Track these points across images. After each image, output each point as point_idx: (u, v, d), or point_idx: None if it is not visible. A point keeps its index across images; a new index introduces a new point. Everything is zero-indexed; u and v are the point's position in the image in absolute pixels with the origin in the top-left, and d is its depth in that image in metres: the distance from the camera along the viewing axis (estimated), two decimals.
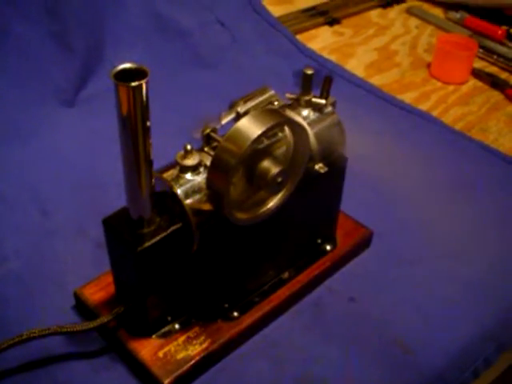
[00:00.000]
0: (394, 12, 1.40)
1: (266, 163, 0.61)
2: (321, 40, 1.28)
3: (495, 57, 1.23)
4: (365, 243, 0.81)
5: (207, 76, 1.12)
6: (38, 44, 1.04)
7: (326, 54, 1.22)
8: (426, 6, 1.41)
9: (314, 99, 0.68)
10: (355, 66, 1.20)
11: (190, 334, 0.68)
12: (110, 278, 0.70)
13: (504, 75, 1.19)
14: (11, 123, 0.98)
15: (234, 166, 0.57)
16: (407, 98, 1.12)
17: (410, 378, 0.68)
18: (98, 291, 0.71)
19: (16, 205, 0.86)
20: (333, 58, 1.21)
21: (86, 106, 1.03)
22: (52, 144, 0.96)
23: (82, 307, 0.72)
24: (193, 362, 0.66)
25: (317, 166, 0.68)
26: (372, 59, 1.23)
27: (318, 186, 0.71)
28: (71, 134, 0.98)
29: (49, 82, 1.03)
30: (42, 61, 1.04)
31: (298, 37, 1.26)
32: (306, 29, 1.30)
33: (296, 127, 0.62)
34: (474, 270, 0.80)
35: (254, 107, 0.65)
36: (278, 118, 0.59)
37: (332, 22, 1.33)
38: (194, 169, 0.61)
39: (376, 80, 1.16)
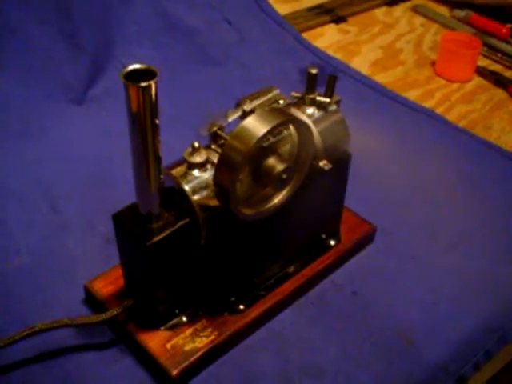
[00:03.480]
0: (400, 10, 1.41)
1: (272, 160, 0.63)
2: (326, 38, 1.29)
3: (499, 55, 1.24)
4: (368, 238, 0.83)
5: (214, 74, 1.13)
6: (48, 43, 1.05)
7: (331, 52, 1.23)
8: (432, 5, 1.42)
9: (318, 98, 0.70)
10: (360, 63, 1.22)
11: (197, 326, 0.70)
12: (119, 272, 0.71)
13: (508, 73, 1.20)
14: (21, 121, 1.00)
15: (240, 163, 0.59)
16: (411, 95, 1.13)
17: (411, 369, 0.69)
18: (107, 285, 0.73)
19: (27, 201, 0.88)
20: (338, 55, 1.23)
21: (96, 103, 1.05)
22: (62, 141, 0.97)
23: (91, 300, 0.73)
24: (200, 353, 0.67)
25: (321, 163, 0.69)
26: (377, 57, 1.25)
27: (323, 182, 0.72)
28: (80, 132, 0.99)
29: (58, 80, 1.05)
30: (52, 59, 1.05)
31: (304, 35, 1.27)
32: (312, 27, 1.31)
33: (300, 125, 0.63)
34: (475, 264, 0.81)
35: (260, 105, 0.66)
36: (282, 117, 0.61)
37: (338, 20, 1.34)
38: (202, 166, 0.62)
39: (381, 78, 1.18)
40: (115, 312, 0.68)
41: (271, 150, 0.63)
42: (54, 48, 1.05)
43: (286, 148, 0.66)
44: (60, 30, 1.06)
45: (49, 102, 1.03)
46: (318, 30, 1.31)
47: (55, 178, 0.91)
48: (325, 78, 0.70)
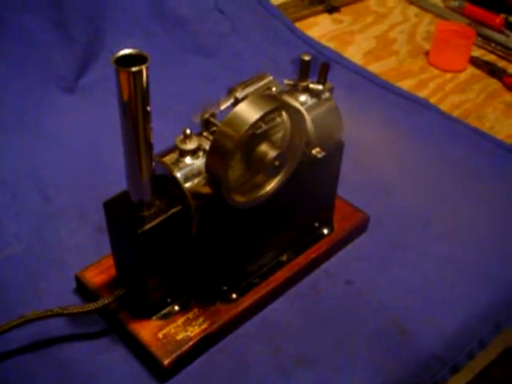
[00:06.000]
0: (393, 0, 1.40)
1: (264, 147, 0.62)
2: (320, 28, 1.28)
3: (493, 45, 1.24)
4: (361, 227, 0.82)
5: (206, 63, 1.13)
6: (39, 33, 1.05)
7: (324, 42, 1.23)
8: None
9: (311, 85, 0.69)
10: (354, 53, 1.21)
11: (190, 315, 0.69)
12: (110, 262, 0.71)
13: (502, 63, 1.20)
14: (13, 109, 0.99)
15: (231, 150, 0.58)
16: (405, 85, 1.13)
17: (405, 357, 0.69)
18: (98, 274, 0.73)
19: (17, 190, 0.87)
20: (331, 45, 1.22)
21: (87, 93, 1.04)
22: (53, 130, 0.97)
23: (83, 290, 0.73)
24: (192, 342, 0.67)
25: (314, 151, 0.68)
26: (370, 47, 1.24)
27: (315, 170, 0.72)
28: (72, 121, 0.99)
29: (50, 69, 1.04)
30: (44, 49, 1.05)
31: (297, 24, 1.26)
32: (305, 17, 1.31)
33: (293, 112, 0.63)
34: (469, 253, 0.81)
35: (253, 93, 0.65)
36: (275, 103, 0.60)
37: (331, 10, 1.33)
38: (193, 153, 0.62)
39: (374, 67, 1.17)
40: (106, 301, 0.68)
41: (264, 137, 0.63)
42: (45, 38, 1.05)
43: (278, 135, 0.65)
44: (52, 19, 1.06)
45: (40, 92, 1.02)
46: (312, 19, 1.31)
47: (46, 167, 0.90)
48: (317, 68, 0.70)
